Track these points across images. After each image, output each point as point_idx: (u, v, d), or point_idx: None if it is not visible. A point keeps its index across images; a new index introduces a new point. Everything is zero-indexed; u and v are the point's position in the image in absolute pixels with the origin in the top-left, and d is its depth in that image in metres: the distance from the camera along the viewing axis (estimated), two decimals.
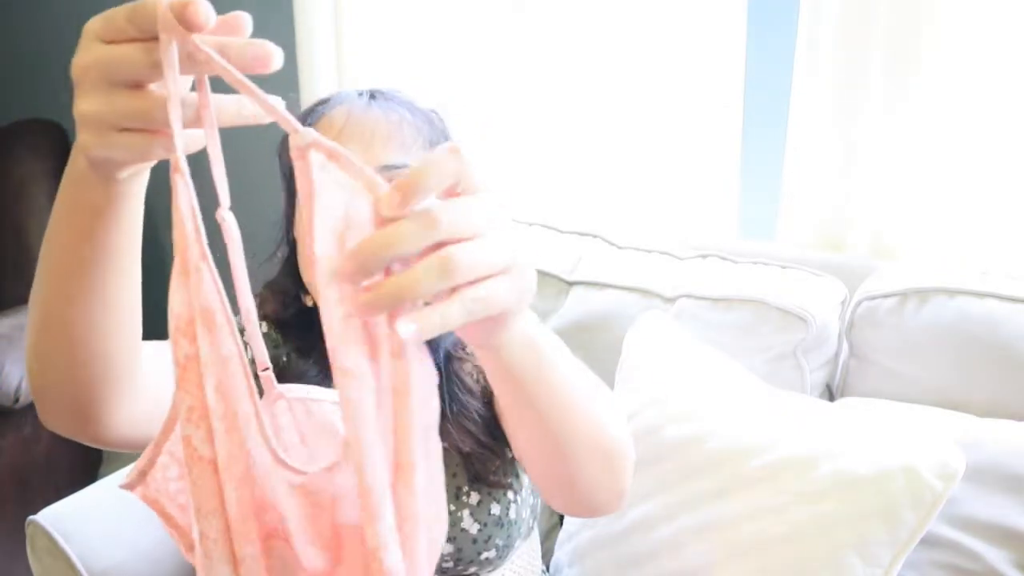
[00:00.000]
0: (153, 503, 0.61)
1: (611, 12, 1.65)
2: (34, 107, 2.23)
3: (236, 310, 0.52)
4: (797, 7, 1.41)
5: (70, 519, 1.18)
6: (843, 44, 1.38)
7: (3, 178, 2.18)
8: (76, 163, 0.54)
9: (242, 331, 0.62)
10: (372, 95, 0.91)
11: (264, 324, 0.98)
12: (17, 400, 1.88)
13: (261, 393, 0.62)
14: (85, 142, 0.50)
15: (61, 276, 0.60)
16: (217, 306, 0.50)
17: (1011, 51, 1.30)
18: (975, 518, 1.08)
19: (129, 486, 0.60)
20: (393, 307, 0.43)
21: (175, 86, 0.46)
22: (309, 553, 0.55)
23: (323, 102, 0.91)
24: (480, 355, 0.55)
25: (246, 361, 0.51)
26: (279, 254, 0.97)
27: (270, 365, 0.63)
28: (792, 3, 1.43)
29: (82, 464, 2.13)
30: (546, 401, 0.59)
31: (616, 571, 1.15)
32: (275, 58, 0.46)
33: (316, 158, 0.44)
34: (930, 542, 1.07)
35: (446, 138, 0.93)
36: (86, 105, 0.48)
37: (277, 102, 0.46)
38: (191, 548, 0.60)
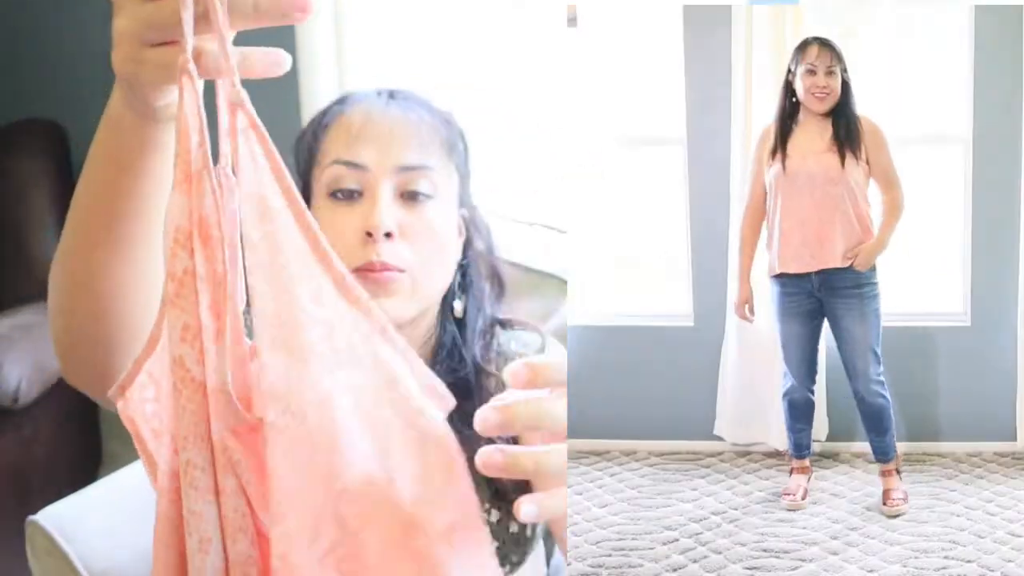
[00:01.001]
0: (130, 422, 0.59)
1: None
2: (34, 107, 2.22)
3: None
4: None
5: (70, 519, 1.17)
6: None
7: (3, 178, 2.18)
8: (113, 103, 0.56)
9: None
10: (391, 95, 0.90)
11: None
12: (17, 400, 1.87)
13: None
14: (117, 60, 0.51)
15: (89, 222, 0.62)
16: (213, 220, 0.48)
17: None
18: None
19: (114, 396, 0.59)
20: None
21: None
22: (260, 516, 0.50)
23: (340, 101, 0.90)
24: None
25: (234, 283, 0.49)
26: None
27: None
28: None
29: (82, 464, 2.13)
30: None
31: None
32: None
33: (242, 121, 0.45)
34: None
35: (462, 139, 0.93)
36: (120, 22, 0.50)
37: (279, 58, 0.49)
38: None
